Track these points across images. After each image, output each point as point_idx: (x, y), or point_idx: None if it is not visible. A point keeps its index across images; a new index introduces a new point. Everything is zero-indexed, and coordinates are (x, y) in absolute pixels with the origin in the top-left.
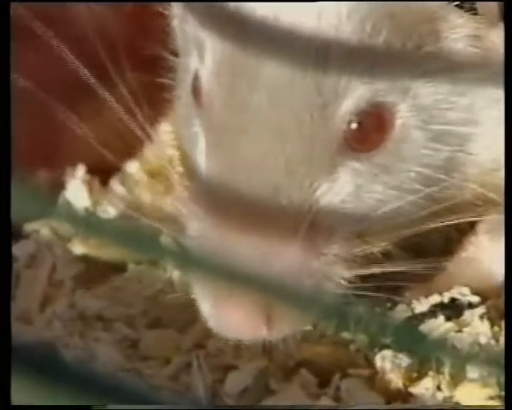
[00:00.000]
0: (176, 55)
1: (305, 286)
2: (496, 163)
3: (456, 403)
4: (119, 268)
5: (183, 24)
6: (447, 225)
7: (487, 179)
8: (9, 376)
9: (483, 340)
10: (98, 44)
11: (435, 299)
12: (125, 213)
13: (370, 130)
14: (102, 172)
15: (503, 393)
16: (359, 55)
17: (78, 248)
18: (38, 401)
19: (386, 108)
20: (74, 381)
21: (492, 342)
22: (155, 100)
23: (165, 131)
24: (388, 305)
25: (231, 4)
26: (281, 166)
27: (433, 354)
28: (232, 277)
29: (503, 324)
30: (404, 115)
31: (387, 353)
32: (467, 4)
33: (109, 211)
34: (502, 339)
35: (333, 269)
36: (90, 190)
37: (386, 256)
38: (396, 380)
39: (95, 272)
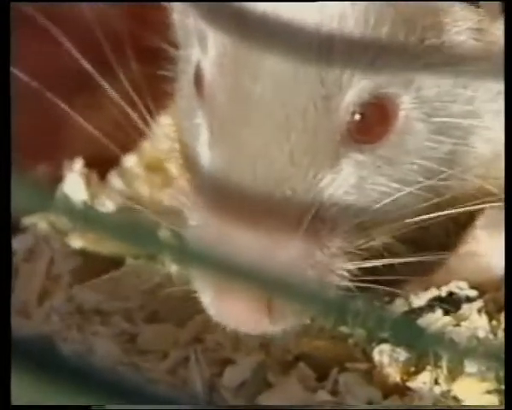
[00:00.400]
0: (176, 46)
1: (308, 279)
2: (496, 156)
3: (454, 397)
4: (116, 262)
5: (184, 17)
6: (446, 219)
7: (487, 173)
8: (9, 375)
9: (481, 334)
10: (97, 37)
11: (433, 293)
12: (123, 206)
13: (373, 121)
14: (100, 166)
15: (500, 387)
16: (362, 47)
17: (76, 242)
18: (36, 396)
19: (389, 99)
20: (72, 375)
21: (490, 336)
22: (153, 92)
23: (163, 124)
24: (386, 299)
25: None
26: (284, 156)
27: (431, 348)
28: (234, 269)
29: (501, 317)
30: (407, 107)
31: (385, 347)
32: None
33: (107, 205)
34: (500, 333)
35: (335, 262)
36: (88, 184)
37: (388, 250)
38: (394, 374)
39: (93, 266)
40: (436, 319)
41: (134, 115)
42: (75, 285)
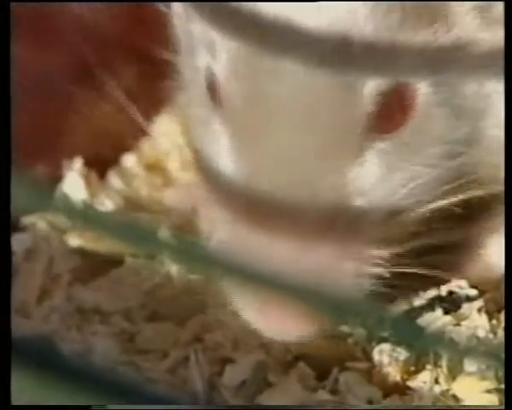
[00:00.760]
0: (176, 52)
1: (340, 287)
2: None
3: (454, 396)
4: (116, 261)
5: (187, 22)
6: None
7: (496, 159)
8: (9, 375)
9: (481, 333)
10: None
11: (433, 292)
12: (123, 206)
13: (393, 110)
14: (100, 165)
15: (500, 386)
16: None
17: (76, 242)
18: (37, 396)
19: (407, 86)
20: (72, 375)
21: (490, 335)
22: (153, 93)
23: (162, 124)
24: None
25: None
26: (309, 156)
27: (431, 348)
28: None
29: (501, 317)
30: (425, 92)
31: (385, 346)
32: None
33: (106, 204)
34: (500, 332)
35: (368, 269)
36: (88, 183)
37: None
38: (394, 373)
39: (92, 266)
40: (436, 319)
41: (132, 116)
42: (75, 285)
